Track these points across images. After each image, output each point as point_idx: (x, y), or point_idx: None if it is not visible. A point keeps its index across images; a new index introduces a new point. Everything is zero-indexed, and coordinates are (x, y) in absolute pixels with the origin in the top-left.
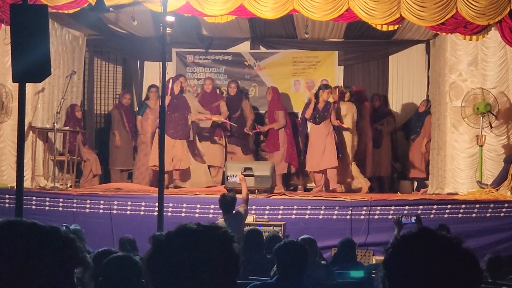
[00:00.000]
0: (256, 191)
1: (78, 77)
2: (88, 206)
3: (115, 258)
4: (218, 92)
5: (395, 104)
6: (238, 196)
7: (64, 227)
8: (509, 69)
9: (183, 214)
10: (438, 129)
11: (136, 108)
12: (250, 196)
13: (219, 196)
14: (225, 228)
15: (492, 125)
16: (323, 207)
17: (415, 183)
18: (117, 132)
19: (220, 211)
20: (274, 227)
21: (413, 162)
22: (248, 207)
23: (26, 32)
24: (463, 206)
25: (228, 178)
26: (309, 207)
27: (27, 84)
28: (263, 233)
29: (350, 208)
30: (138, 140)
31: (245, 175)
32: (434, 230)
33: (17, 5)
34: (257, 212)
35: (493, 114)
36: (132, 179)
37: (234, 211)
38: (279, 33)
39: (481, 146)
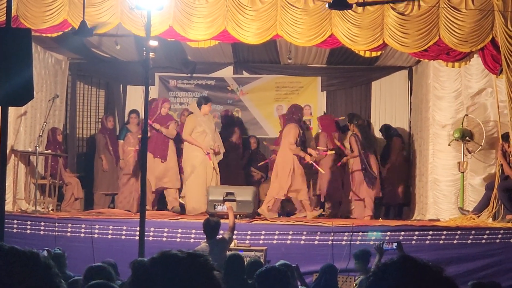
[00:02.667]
0: (238, 216)
1: (60, 100)
2: (69, 230)
3: (94, 285)
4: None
5: (377, 131)
6: (222, 221)
7: (45, 251)
8: (493, 97)
9: (164, 239)
10: (420, 155)
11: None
12: None
13: (201, 221)
14: (206, 256)
15: (474, 151)
16: (304, 233)
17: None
18: (104, 156)
19: (202, 236)
20: (256, 252)
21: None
22: None
23: (9, 56)
24: (445, 232)
25: (216, 206)
26: (290, 232)
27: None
28: (245, 258)
29: (332, 234)
30: (121, 164)
31: (227, 200)
32: (416, 258)
33: (0, 29)
34: (239, 237)
35: (473, 141)
36: (116, 203)
37: (218, 237)
38: (262, 58)
39: (463, 172)
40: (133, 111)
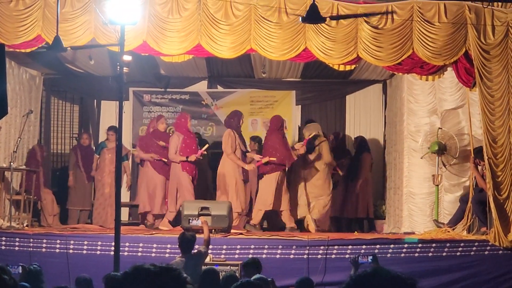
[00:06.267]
0: (213, 230)
1: (35, 116)
2: (44, 245)
3: None
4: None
5: (351, 144)
6: (197, 235)
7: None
8: (466, 110)
9: (139, 254)
10: (395, 169)
11: (94, 147)
12: None
13: (175, 235)
14: (179, 270)
15: (448, 164)
16: (280, 247)
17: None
18: (71, 173)
19: (177, 250)
20: (231, 267)
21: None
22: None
23: None
24: (420, 245)
25: (190, 220)
26: (266, 246)
27: None
28: (220, 273)
29: (307, 248)
30: (96, 180)
31: (202, 215)
32: (388, 270)
33: None
34: (214, 251)
35: (447, 154)
36: (92, 219)
37: (193, 251)
38: (237, 73)
39: (437, 185)
40: (111, 128)
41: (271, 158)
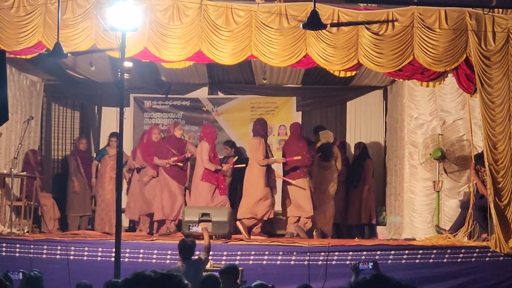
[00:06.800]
0: (214, 236)
1: (35, 122)
2: (45, 252)
3: None
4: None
5: (348, 150)
6: (197, 241)
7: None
8: (467, 116)
9: (140, 260)
10: (396, 175)
11: (94, 154)
12: None
13: (176, 241)
14: (180, 276)
15: (449, 171)
16: (280, 253)
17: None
18: (75, 179)
19: (178, 257)
20: None
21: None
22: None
23: None
24: (420, 251)
25: (190, 226)
26: (266, 252)
27: None
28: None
29: (308, 254)
30: (92, 182)
31: (202, 221)
32: (389, 277)
33: None
34: (215, 257)
35: (449, 160)
36: (94, 225)
37: (194, 257)
38: (237, 79)
39: (438, 191)
40: (114, 134)
41: (296, 157)
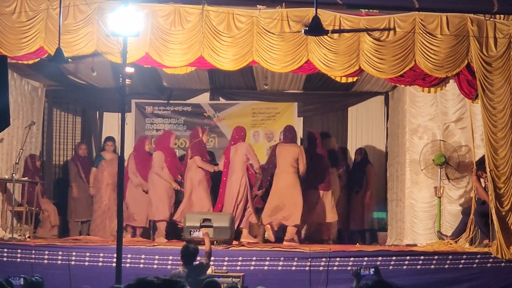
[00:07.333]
0: (215, 242)
1: (37, 127)
2: (46, 257)
3: None
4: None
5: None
6: (199, 247)
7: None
8: (468, 122)
9: (141, 265)
10: (397, 181)
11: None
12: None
13: (177, 247)
14: (183, 282)
15: (450, 177)
16: (282, 258)
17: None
18: (74, 184)
19: (179, 262)
20: (233, 278)
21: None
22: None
23: None
24: (422, 257)
25: (191, 232)
26: (268, 258)
27: None
28: (222, 285)
29: (309, 259)
30: (91, 192)
31: (204, 226)
32: (390, 283)
33: None
34: (216, 263)
35: (451, 166)
36: (89, 231)
37: (196, 263)
38: (239, 85)
39: (440, 197)
40: (109, 138)
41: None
